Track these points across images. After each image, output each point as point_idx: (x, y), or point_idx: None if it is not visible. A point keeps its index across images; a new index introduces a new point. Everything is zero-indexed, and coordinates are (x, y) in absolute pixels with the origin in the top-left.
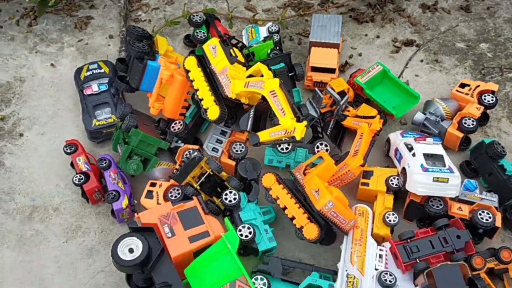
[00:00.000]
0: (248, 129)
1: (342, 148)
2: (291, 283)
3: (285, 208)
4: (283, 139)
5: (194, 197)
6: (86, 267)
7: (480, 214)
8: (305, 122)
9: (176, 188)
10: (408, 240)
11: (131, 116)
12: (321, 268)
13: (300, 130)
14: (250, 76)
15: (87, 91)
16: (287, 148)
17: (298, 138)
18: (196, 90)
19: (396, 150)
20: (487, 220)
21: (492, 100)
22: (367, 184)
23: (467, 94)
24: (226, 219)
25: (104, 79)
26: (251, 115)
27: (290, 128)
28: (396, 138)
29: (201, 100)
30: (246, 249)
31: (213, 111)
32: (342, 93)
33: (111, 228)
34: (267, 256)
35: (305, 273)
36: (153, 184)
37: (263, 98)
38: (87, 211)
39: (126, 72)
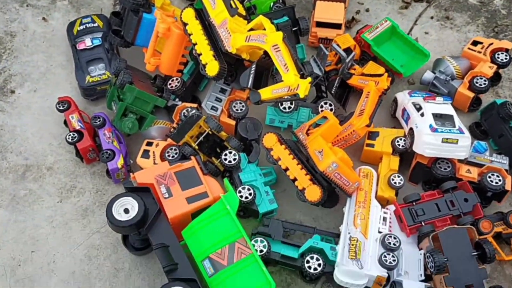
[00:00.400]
0: (249, 86)
1: (347, 108)
2: (292, 245)
3: (286, 169)
4: (286, 97)
5: (192, 157)
6: (81, 227)
7: (489, 177)
8: (309, 79)
9: (174, 147)
10: (414, 203)
11: (125, 71)
12: (322, 231)
13: (304, 87)
14: (251, 30)
15: (80, 46)
16: (289, 107)
17: (301, 95)
18: (194, 45)
19: (404, 110)
20: (496, 183)
21: (506, 58)
22: (372, 146)
23: (479, 52)
24: (226, 180)
25: (97, 33)
26: (252, 71)
27: (294, 85)
28: (404, 98)
29: (200, 55)
30: (246, 211)
31: (212, 67)
32: (348, 50)
33: (106, 189)
34: (267, 218)
35: (306, 235)
36: (149, 144)
37: (266, 53)
38: (81, 171)
39: (120, 26)
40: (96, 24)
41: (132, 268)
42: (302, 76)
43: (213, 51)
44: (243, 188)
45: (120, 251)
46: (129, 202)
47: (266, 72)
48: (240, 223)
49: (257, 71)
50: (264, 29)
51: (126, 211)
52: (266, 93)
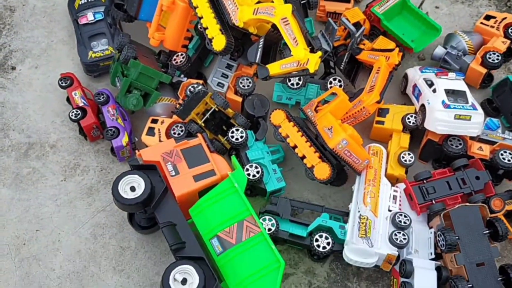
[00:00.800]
0: (256, 61)
1: (356, 84)
2: (300, 224)
3: (295, 146)
4: (295, 72)
5: (199, 134)
6: (86, 206)
7: (502, 154)
8: (319, 53)
9: (179, 125)
10: (424, 181)
11: (129, 46)
12: (331, 209)
13: (314, 61)
14: (258, 2)
15: (82, 21)
16: (297, 84)
17: (311, 70)
18: (200, 18)
19: (415, 86)
20: (509, 160)
21: None
22: (382, 123)
23: (492, 26)
24: (233, 158)
25: (100, 7)
26: (260, 46)
27: (303, 59)
28: (415, 74)
29: (206, 29)
30: (254, 189)
31: (218, 41)
32: (357, 25)
33: (111, 167)
34: (275, 196)
35: (314, 214)
36: (154, 121)
37: (274, 27)
38: (85, 149)
39: None
40: None
41: (138, 247)
42: (312, 50)
43: (219, 24)
44: (251, 166)
45: (126, 229)
46: (135, 180)
47: (274, 46)
48: (249, 201)
49: (265, 46)
50: (272, 1)
51: (132, 189)
52: (275, 68)
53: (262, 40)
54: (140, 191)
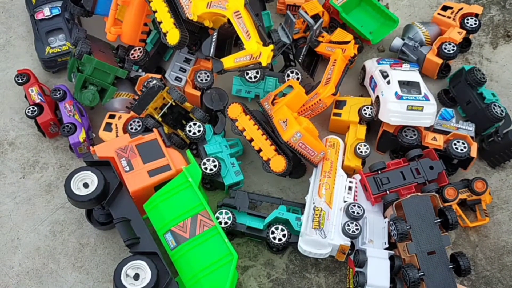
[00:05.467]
0: (211, 55)
1: (316, 77)
2: (258, 216)
3: (251, 140)
4: (249, 66)
5: (154, 129)
6: (45, 203)
7: (455, 144)
8: (271, 47)
9: (137, 120)
10: (379, 172)
11: (84, 41)
12: (289, 202)
13: (266, 55)
14: None
15: (38, 16)
16: (255, 77)
17: (264, 63)
18: (154, 12)
19: (371, 78)
20: (461, 150)
21: (475, 24)
22: (339, 115)
23: (449, 17)
24: (188, 152)
25: (57, 2)
26: (214, 39)
27: (256, 52)
28: (372, 66)
29: (160, 23)
30: (213, 183)
31: (172, 35)
32: (316, 17)
33: (70, 163)
34: (234, 190)
35: (273, 206)
36: (112, 116)
37: (229, 20)
38: (44, 146)
39: None
40: None
41: (98, 243)
42: (265, 43)
43: (173, 18)
44: (208, 160)
45: (85, 226)
46: (88, 176)
47: (229, 40)
48: (206, 195)
49: (220, 39)
50: None
51: (86, 185)
52: (229, 61)
53: (215, 34)
54: (93, 187)
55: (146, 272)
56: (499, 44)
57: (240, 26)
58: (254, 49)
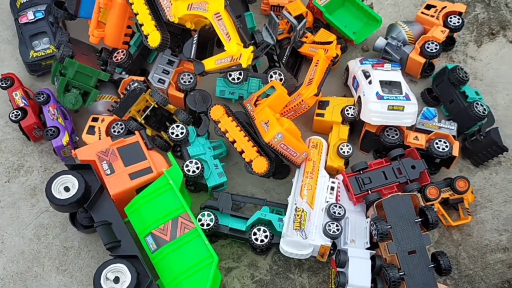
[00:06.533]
0: (192, 57)
1: (300, 77)
2: (241, 218)
3: (234, 141)
4: (230, 67)
5: (136, 132)
6: (29, 207)
7: (436, 143)
8: (251, 48)
9: (119, 123)
10: (361, 172)
11: (66, 44)
12: (273, 203)
13: (246, 56)
14: None
15: (22, 20)
16: (238, 78)
17: (244, 65)
18: (136, 15)
19: (354, 78)
20: (443, 149)
21: (458, 22)
22: (322, 115)
23: (432, 16)
24: (170, 154)
25: (41, 6)
26: (194, 41)
27: (236, 54)
28: (355, 66)
29: (142, 25)
30: (197, 185)
31: (153, 38)
32: (299, 18)
33: (54, 167)
34: (218, 192)
35: (258, 208)
36: (95, 119)
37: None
38: (29, 149)
39: None
40: None
41: (82, 246)
42: (245, 45)
43: (154, 21)
44: (191, 162)
45: (69, 229)
46: (69, 180)
47: (211, 42)
48: (190, 197)
49: (202, 41)
50: None
51: (67, 189)
52: (210, 63)
53: (196, 35)
54: (74, 191)
55: (126, 275)
56: (483, 42)
57: (220, 27)
58: (235, 51)
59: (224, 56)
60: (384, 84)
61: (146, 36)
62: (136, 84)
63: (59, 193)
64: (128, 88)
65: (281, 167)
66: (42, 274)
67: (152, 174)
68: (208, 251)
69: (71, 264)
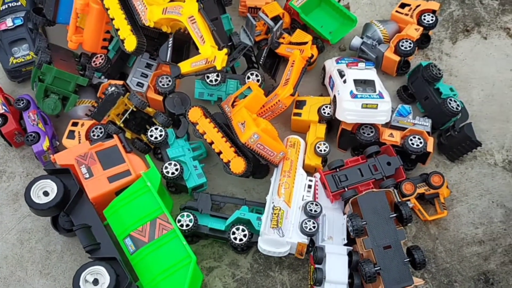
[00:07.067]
0: (167, 60)
1: (278, 78)
2: (221, 218)
3: (212, 142)
4: (206, 70)
5: (115, 135)
6: (12, 212)
7: (411, 140)
8: (225, 50)
9: (99, 127)
10: (337, 169)
11: (44, 50)
12: (253, 202)
13: (220, 58)
14: (172, 1)
15: (1, 27)
16: (216, 80)
17: (218, 67)
18: (112, 20)
19: (330, 77)
20: (418, 145)
21: (431, 20)
22: (299, 115)
23: (406, 14)
24: (147, 156)
25: (20, 12)
26: (170, 45)
27: (211, 57)
28: (331, 65)
29: (118, 30)
30: (177, 186)
31: (129, 42)
32: (276, 19)
33: (37, 172)
34: (198, 192)
35: (238, 207)
36: (75, 124)
37: None
38: (11, 155)
39: (42, 3)
40: (19, 3)
41: (64, 250)
42: (220, 47)
43: (130, 25)
44: (170, 164)
45: (52, 233)
46: (48, 184)
47: (187, 44)
48: (171, 198)
49: (177, 44)
50: (184, 0)
51: (46, 193)
52: (186, 66)
53: (171, 39)
54: (53, 195)
55: (105, 277)
56: (458, 39)
57: (194, 31)
58: (209, 53)
59: (199, 58)
60: (358, 83)
61: (122, 41)
62: (113, 88)
63: (38, 198)
64: (104, 93)
65: (260, 167)
66: (25, 278)
67: (130, 177)
68: (186, 251)
69: (54, 267)
